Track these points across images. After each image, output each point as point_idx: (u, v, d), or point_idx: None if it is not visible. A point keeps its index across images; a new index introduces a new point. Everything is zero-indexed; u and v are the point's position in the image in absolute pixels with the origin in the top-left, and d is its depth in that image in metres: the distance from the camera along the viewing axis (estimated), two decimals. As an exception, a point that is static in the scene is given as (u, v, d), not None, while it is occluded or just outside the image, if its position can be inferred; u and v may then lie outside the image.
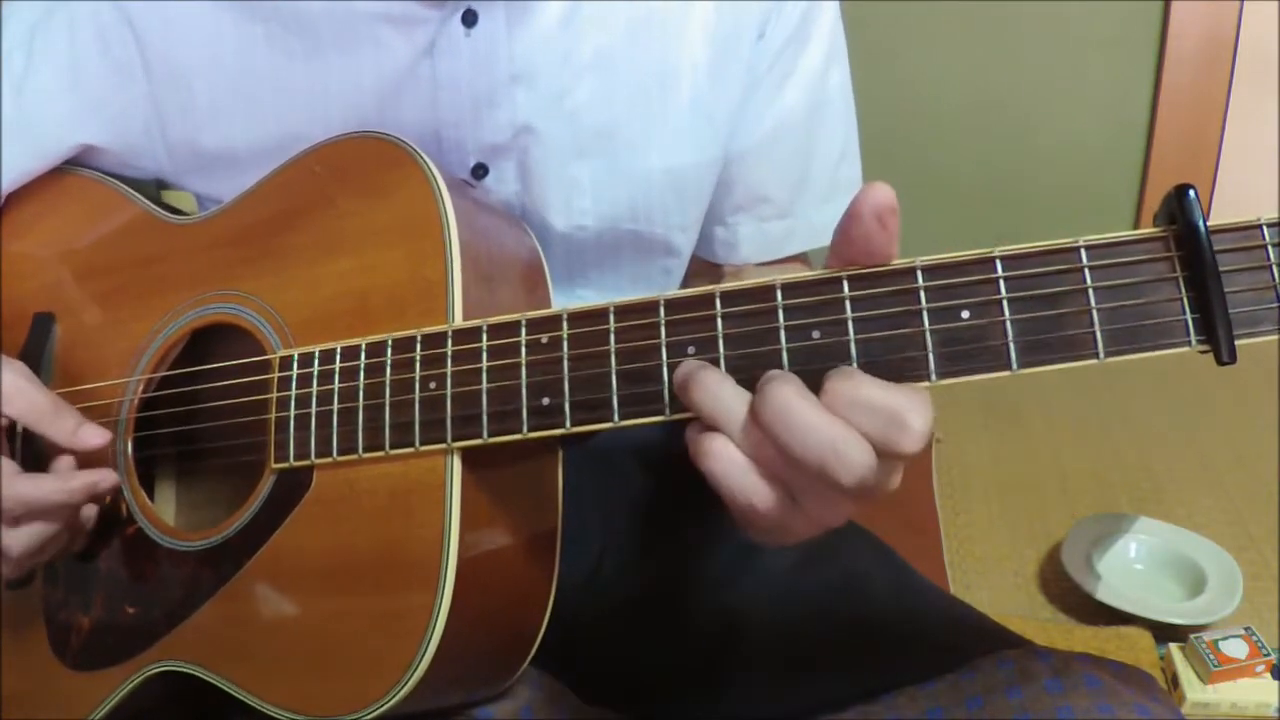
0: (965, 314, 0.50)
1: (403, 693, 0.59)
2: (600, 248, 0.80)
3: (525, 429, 0.58)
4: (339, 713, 0.61)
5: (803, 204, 0.86)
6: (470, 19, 0.72)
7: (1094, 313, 0.49)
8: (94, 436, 0.71)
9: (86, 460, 0.72)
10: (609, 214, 0.79)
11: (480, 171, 0.76)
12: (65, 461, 0.71)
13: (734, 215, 0.86)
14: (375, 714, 0.60)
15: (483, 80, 0.73)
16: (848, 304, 0.52)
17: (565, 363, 0.57)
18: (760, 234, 0.86)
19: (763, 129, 0.82)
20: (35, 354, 0.78)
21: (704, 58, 0.78)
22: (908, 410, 0.48)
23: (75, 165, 0.82)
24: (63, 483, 0.69)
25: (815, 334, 0.52)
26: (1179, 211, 0.48)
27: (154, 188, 0.82)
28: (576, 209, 0.78)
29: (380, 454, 0.62)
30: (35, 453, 0.73)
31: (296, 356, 0.66)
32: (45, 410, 0.70)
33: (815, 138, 0.84)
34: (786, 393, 0.49)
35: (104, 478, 0.70)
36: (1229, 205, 2.27)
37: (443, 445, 0.60)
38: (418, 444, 0.61)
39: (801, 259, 0.90)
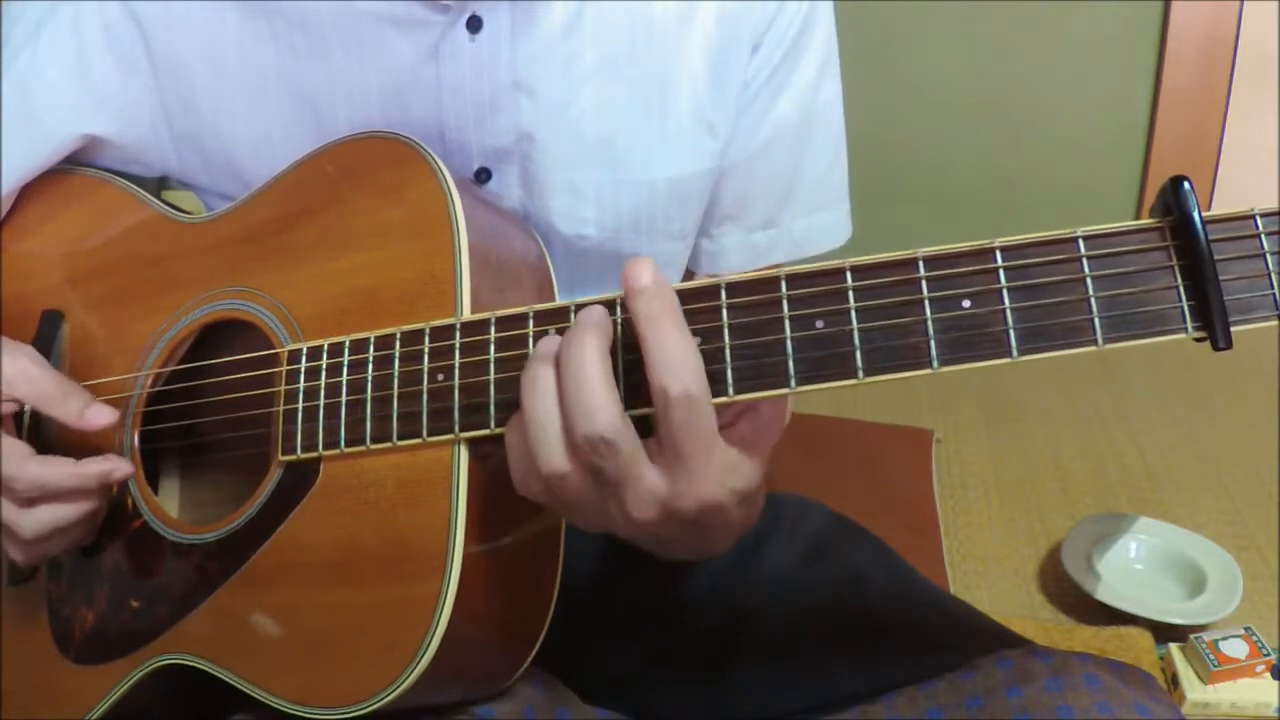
0: (966, 303, 0.51)
1: (406, 684, 0.59)
2: (602, 257, 0.80)
3: None
4: (343, 704, 0.61)
5: (787, 215, 0.85)
6: (475, 25, 0.72)
7: (1092, 301, 0.50)
8: (101, 416, 0.71)
9: (96, 447, 0.72)
10: (611, 224, 0.79)
11: (483, 176, 0.77)
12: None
13: (719, 226, 0.85)
14: (379, 705, 0.60)
15: (486, 86, 0.74)
16: (851, 294, 0.53)
17: None
18: (745, 244, 0.86)
19: (755, 141, 0.81)
20: (43, 351, 0.77)
21: (702, 67, 0.77)
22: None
23: (83, 165, 0.82)
24: (77, 466, 0.69)
25: (819, 323, 0.53)
26: (1174, 202, 0.49)
27: (156, 186, 0.82)
28: (578, 218, 0.78)
29: (388, 445, 0.62)
30: (43, 442, 0.73)
31: (305, 350, 0.67)
32: (52, 392, 0.70)
33: (804, 150, 0.84)
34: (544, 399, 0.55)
35: (118, 466, 0.70)
36: (1229, 205, 2.27)
37: (450, 435, 0.61)
38: (425, 434, 0.61)
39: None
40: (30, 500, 0.69)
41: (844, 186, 0.88)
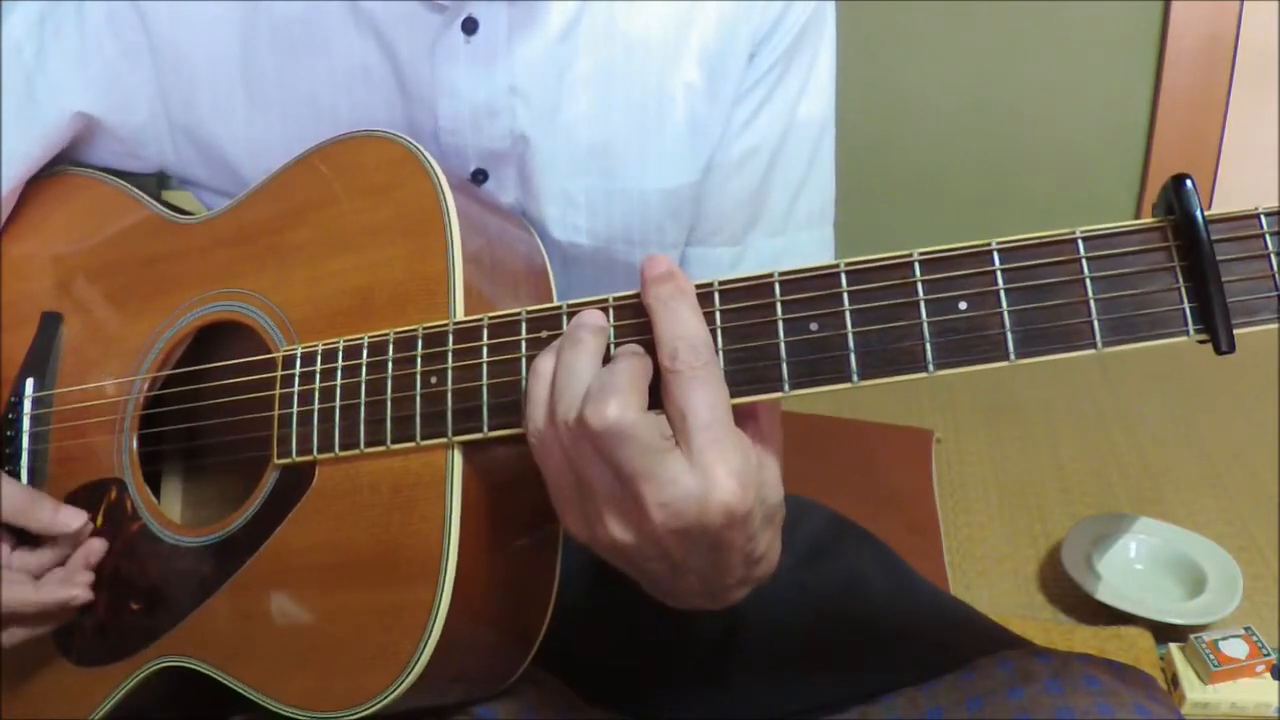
0: (963, 305, 0.51)
1: (403, 687, 0.59)
2: (596, 264, 0.80)
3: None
4: (339, 707, 0.61)
5: (754, 234, 0.84)
6: (471, 26, 0.72)
7: (1092, 303, 0.49)
8: (71, 518, 0.72)
9: (97, 456, 0.72)
10: (604, 233, 0.78)
11: (480, 177, 0.76)
12: (40, 565, 0.72)
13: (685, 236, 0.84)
14: (375, 709, 0.60)
15: (481, 88, 0.73)
16: (845, 296, 0.53)
17: None
18: (709, 257, 0.84)
19: (732, 154, 0.80)
20: (42, 353, 0.78)
21: (699, 77, 0.77)
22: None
23: (81, 163, 0.82)
24: (37, 593, 0.71)
25: (813, 326, 0.53)
26: (1176, 201, 0.48)
27: (154, 186, 0.82)
28: (570, 225, 0.78)
29: (382, 449, 0.62)
30: (43, 457, 0.74)
31: (300, 354, 0.66)
32: (20, 504, 0.72)
33: (775, 168, 0.82)
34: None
35: (80, 595, 0.71)
36: (1229, 205, 2.27)
37: (443, 440, 0.60)
38: (419, 438, 0.61)
39: None
40: None
41: (822, 210, 0.86)
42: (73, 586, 0.71)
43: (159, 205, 0.79)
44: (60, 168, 0.83)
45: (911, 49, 2.41)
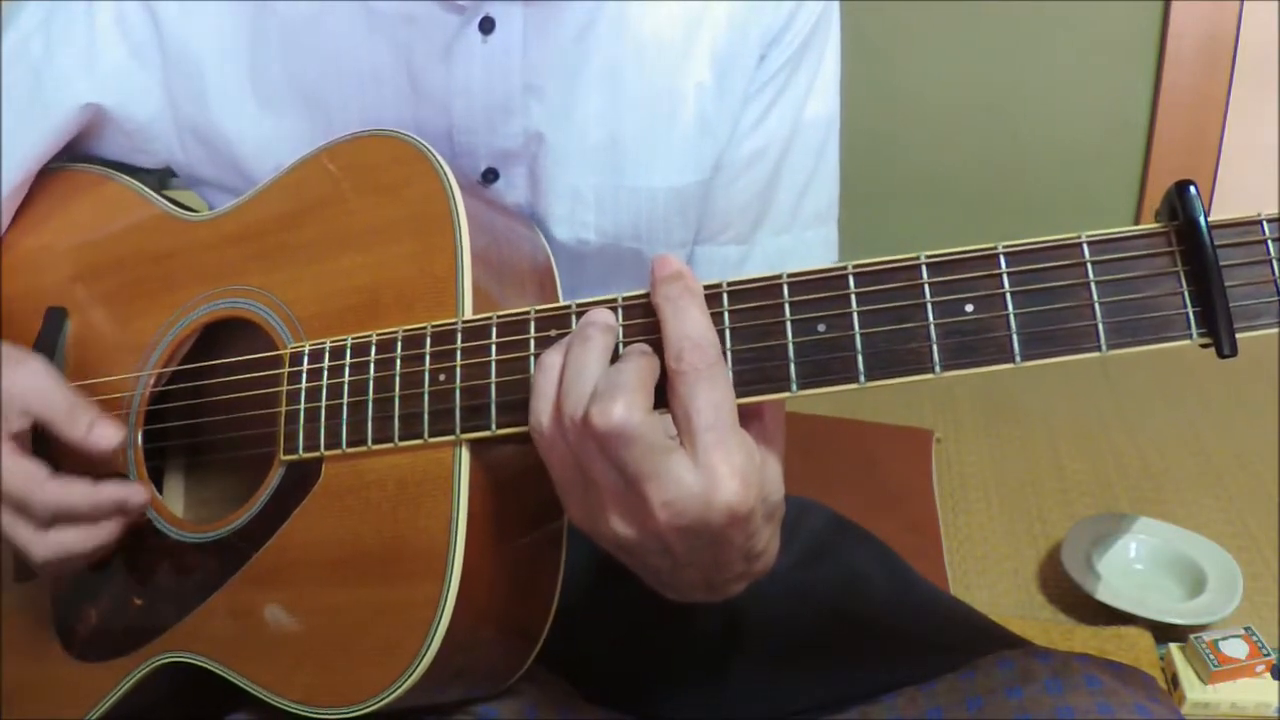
0: (969, 307, 0.51)
1: (408, 684, 0.59)
2: (602, 263, 0.80)
3: None
4: (343, 703, 0.61)
5: (761, 232, 0.84)
6: (488, 26, 0.72)
7: (1096, 306, 0.50)
8: (108, 435, 0.70)
9: (101, 461, 0.71)
10: (611, 230, 0.79)
11: (490, 176, 0.77)
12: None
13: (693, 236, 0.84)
14: (380, 705, 0.60)
15: (497, 88, 0.74)
16: (853, 298, 0.53)
17: None
18: (716, 256, 0.84)
19: (740, 154, 0.80)
20: (47, 348, 0.78)
21: (709, 77, 0.77)
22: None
23: (89, 159, 0.82)
24: (94, 492, 0.69)
25: (821, 328, 0.53)
26: (1180, 206, 0.49)
27: (156, 183, 0.82)
28: (579, 221, 0.78)
29: (389, 446, 0.63)
30: (48, 446, 0.73)
31: (307, 351, 0.67)
32: (60, 408, 0.70)
33: (782, 168, 0.82)
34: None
35: (134, 494, 0.70)
36: (1229, 205, 2.27)
37: (451, 437, 0.61)
38: (426, 435, 0.61)
39: None
40: (45, 523, 0.68)
41: (827, 208, 0.86)
42: (125, 487, 0.69)
43: (165, 202, 0.79)
44: (67, 164, 0.83)
45: (911, 49, 2.41)
